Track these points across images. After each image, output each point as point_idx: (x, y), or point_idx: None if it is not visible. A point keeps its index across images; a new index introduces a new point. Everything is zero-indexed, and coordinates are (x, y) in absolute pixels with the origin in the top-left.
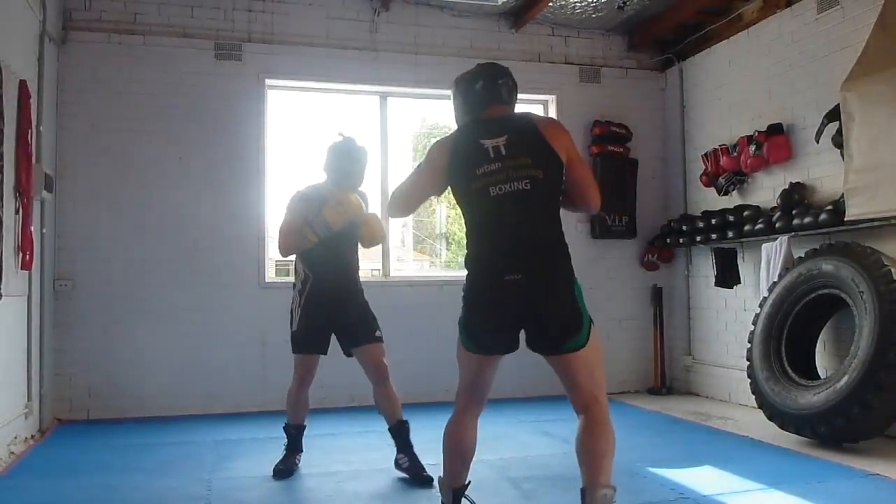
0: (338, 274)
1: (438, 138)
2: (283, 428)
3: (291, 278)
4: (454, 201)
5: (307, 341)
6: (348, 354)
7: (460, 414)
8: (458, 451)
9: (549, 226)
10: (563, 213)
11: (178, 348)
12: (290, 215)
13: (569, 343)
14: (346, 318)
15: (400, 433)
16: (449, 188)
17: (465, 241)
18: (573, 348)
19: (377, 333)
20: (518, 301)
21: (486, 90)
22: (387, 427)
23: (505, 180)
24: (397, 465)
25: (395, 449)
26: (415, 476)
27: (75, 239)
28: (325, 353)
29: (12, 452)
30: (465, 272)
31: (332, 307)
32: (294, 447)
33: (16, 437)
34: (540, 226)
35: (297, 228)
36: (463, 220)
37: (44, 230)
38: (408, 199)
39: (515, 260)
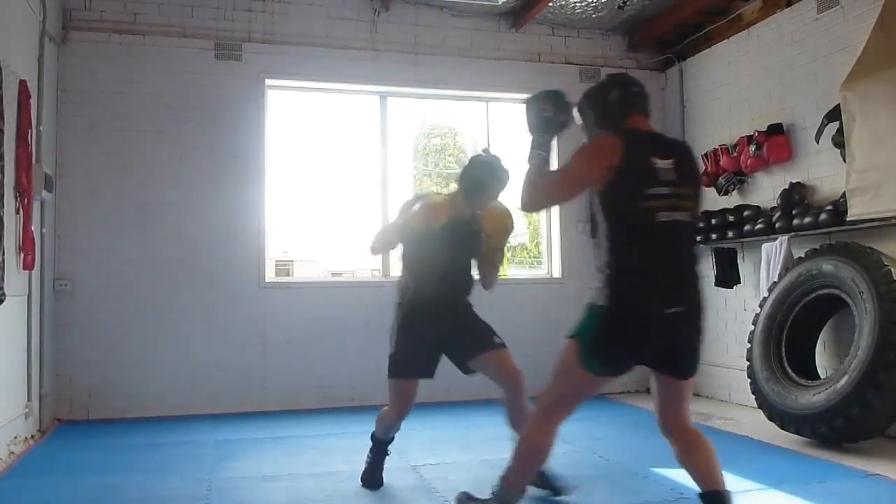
0: (448, 286)
1: (603, 135)
2: (372, 438)
3: (290, 278)
4: None
5: (407, 364)
6: (466, 370)
7: (554, 425)
8: (543, 459)
9: (697, 258)
10: (565, 211)
11: (177, 348)
12: (396, 217)
13: (695, 369)
14: (458, 328)
15: None
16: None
17: (608, 256)
18: (694, 374)
19: (498, 339)
20: (675, 333)
21: (623, 99)
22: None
23: (672, 207)
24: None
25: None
26: (554, 490)
27: (75, 239)
28: (432, 377)
29: (12, 452)
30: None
31: (439, 322)
32: (383, 454)
33: (16, 437)
34: (694, 258)
35: (398, 229)
36: (611, 232)
37: (44, 230)
38: (559, 193)
39: (679, 292)
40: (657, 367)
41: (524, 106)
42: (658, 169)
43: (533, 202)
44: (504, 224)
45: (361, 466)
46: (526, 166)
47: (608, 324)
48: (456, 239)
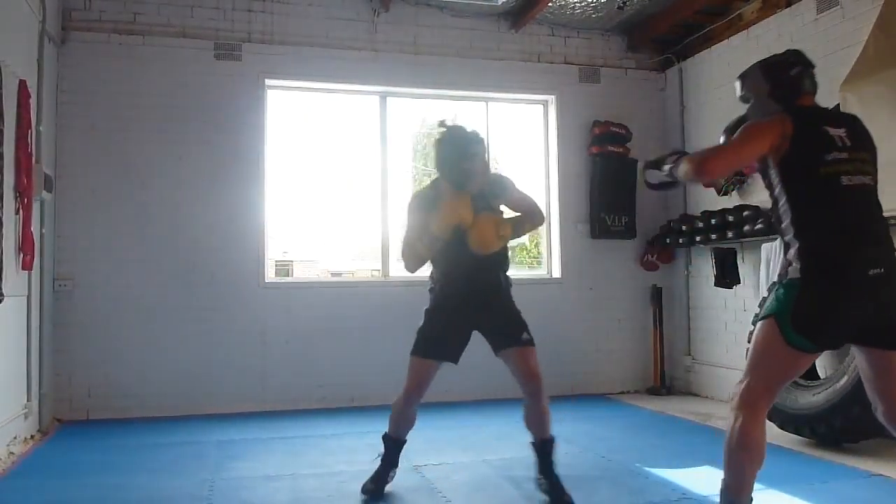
0: (475, 270)
1: (773, 113)
2: (383, 438)
3: (290, 278)
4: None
5: (429, 344)
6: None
7: (763, 415)
8: (763, 455)
9: (886, 225)
10: (564, 211)
11: (178, 348)
12: (409, 224)
13: None
14: (489, 318)
15: (544, 452)
16: (772, 163)
17: (795, 229)
18: None
19: (525, 336)
20: (878, 296)
21: (801, 77)
22: (530, 441)
23: (854, 171)
24: (538, 486)
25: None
26: (557, 501)
27: (75, 239)
28: (456, 362)
29: (12, 452)
30: None
31: (469, 308)
32: (390, 460)
33: (15, 438)
34: (884, 223)
35: (414, 241)
36: (796, 203)
37: (44, 230)
38: (727, 164)
39: (876, 254)
40: (865, 339)
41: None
42: (833, 136)
43: (700, 172)
44: (494, 236)
45: (363, 467)
46: (673, 171)
47: (811, 293)
48: (461, 232)
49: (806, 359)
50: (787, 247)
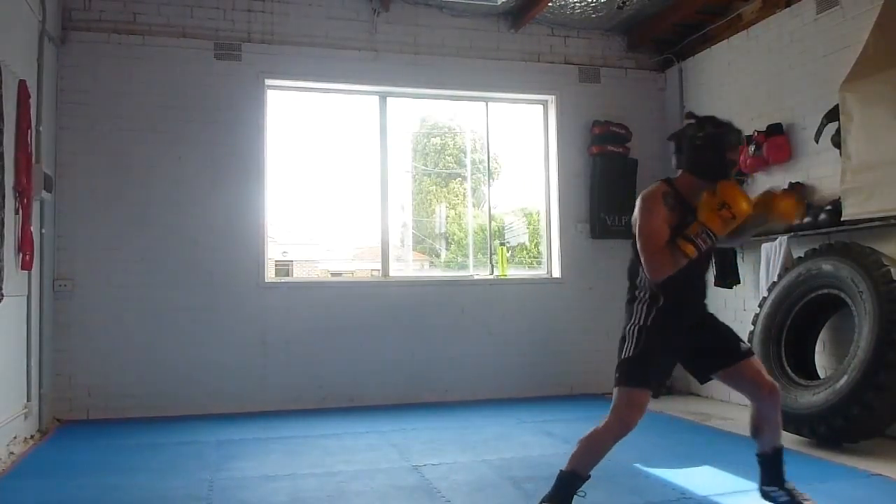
0: (695, 294)
1: None
2: (562, 477)
3: (290, 278)
4: (453, 202)
5: (652, 370)
6: (705, 380)
7: None
8: None
9: None
10: (564, 211)
11: (178, 348)
12: (655, 222)
13: None
14: (706, 339)
15: (780, 460)
16: None
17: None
18: None
19: (744, 345)
20: None
21: None
22: (757, 453)
23: None
24: (768, 497)
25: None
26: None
27: (75, 239)
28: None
29: (12, 452)
30: (463, 272)
31: (686, 331)
32: (568, 498)
33: (15, 437)
34: None
35: (665, 242)
36: None
37: (43, 230)
38: None
39: None
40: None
41: None
42: None
43: None
44: (743, 197)
45: (362, 466)
46: None
47: None
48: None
49: None
50: None
